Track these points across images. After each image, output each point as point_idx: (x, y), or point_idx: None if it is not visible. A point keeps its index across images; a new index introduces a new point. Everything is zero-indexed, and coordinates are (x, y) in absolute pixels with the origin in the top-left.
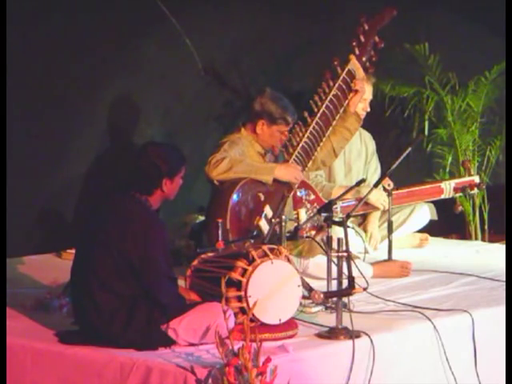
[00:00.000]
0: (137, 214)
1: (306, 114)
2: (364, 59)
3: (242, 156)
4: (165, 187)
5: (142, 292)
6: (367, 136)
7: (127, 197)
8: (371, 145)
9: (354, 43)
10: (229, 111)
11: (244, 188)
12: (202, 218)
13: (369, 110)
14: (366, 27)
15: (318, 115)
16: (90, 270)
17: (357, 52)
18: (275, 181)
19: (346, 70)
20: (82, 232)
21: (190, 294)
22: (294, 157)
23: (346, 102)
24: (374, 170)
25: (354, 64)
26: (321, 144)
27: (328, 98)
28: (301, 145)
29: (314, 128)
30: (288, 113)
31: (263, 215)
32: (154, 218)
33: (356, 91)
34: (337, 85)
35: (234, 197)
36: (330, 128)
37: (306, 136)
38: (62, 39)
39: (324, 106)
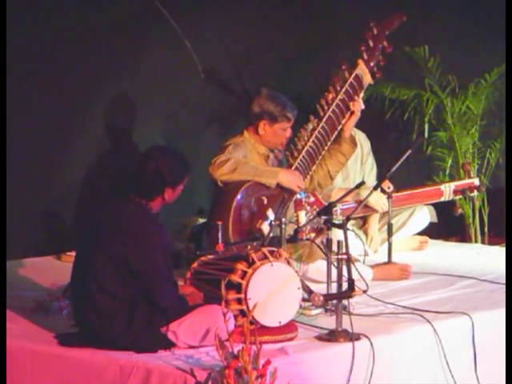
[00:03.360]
0: (137, 217)
1: (311, 118)
2: (372, 64)
3: (246, 159)
4: (166, 195)
5: (142, 295)
6: (362, 136)
7: (127, 200)
8: (366, 145)
9: (363, 48)
10: (231, 114)
11: (248, 191)
12: (201, 220)
13: (363, 107)
14: (375, 32)
15: (324, 119)
16: (89, 273)
17: (365, 57)
18: (278, 185)
19: (354, 74)
20: (82, 234)
21: (189, 289)
22: (298, 160)
23: (344, 121)
24: (370, 170)
25: (362, 69)
26: (325, 148)
27: (335, 103)
28: (306, 149)
29: (319, 132)
30: (287, 109)
31: (268, 220)
32: (153, 221)
33: (352, 113)
34: (344, 89)
35: (238, 199)
36: (335, 132)
37: (311, 140)
38: (62, 42)
39: (330, 110)
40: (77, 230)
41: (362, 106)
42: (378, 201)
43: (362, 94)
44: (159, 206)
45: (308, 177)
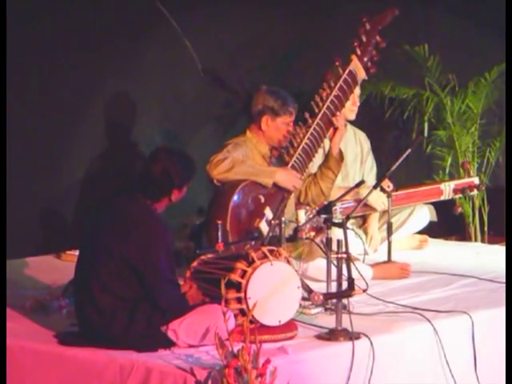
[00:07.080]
0: (141, 216)
1: (306, 115)
2: (365, 59)
3: (245, 158)
4: (173, 196)
5: (143, 294)
6: (362, 136)
7: (133, 200)
8: (366, 144)
9: (356, 43)
10: (228, 112)
11: (244, 190)
12: (201, 219)
13: (358, 104)
14: (368, 27)
15: (319, 116)
16: (92, 272)
17: (358, 52)
18: (275, 184)
19: (348, 70)
20: (85, 233)
21: (189, 288)
22: (294, 158)
23: (330, 136)
24: (370, 169)
25: (356, 65)
26: (321, 145)
27: (329, 99)
28: (301, 146)
29: (314, 129)
30: (288, 102)
31: (264, 218)
32: (158, 221)
33: (336, 129)
34: (338, 85)
35: (235, 198)
36: (331, 129)
37: (306, 137)
38: (61, 40)
39: (325, 106)
40: (77, 228)
41: (352, 117)
42: (378, 200)
43: (358, 91)
44: (164, 207)
45: (304, 175)
